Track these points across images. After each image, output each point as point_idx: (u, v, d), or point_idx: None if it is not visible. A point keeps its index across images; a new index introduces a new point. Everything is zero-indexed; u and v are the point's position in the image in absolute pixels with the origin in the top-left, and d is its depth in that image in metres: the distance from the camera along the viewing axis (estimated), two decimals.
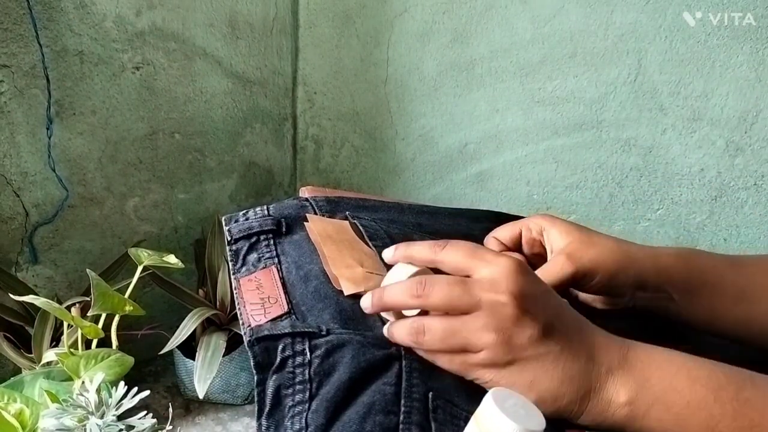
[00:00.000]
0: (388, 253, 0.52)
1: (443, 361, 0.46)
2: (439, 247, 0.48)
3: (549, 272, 0.53)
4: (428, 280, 0.46)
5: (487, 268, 0.44)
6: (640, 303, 0.56)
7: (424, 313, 0.47)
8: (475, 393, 0.46)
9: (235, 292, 0.56)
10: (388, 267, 0.60)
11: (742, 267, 0.58)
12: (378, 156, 1.25)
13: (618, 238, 0.56)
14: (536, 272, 0.50)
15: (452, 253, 0.47)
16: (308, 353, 0.48)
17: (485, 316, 0.43)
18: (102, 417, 0.66)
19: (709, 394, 0.40)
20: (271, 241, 0.62)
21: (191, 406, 1.10)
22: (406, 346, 0.47)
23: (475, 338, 0.43)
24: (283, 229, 0.63)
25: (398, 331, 0.47)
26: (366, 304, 0.49)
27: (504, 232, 0.61)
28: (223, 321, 1.08)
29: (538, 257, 0.60)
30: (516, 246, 0.61)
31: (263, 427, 0.46)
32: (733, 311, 0.55)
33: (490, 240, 0.62)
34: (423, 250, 0.49)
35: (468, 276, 0.46)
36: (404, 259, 0.50)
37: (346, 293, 0.54)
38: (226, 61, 1.13)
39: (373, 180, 1.28)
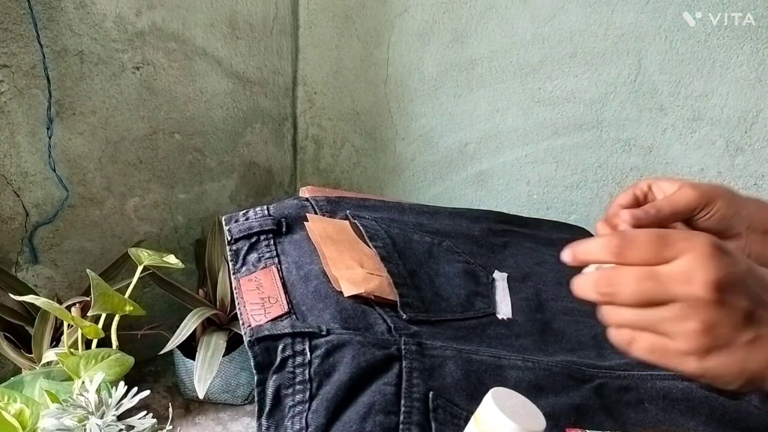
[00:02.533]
0: (566, 257, 0.45)
1: (643, 347, 0.41)
2: (615, 246, 0.42)
3: (675, 200, 0.50)
4: (615, 275, 0.41)
5: (680, 258, 0.40)
6: (755, 249, 0.53)
7: None
8: (475, 393, 0.46)
9: (235, 291, 0.56)
10: (387, 267, 0.60)
11: None
12: (378, 156, 1.25)
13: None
14: (662, 200, 0.49)
15: (635, 250, 0.41)
16: (308, 353, 0.48)
17: (682, 308, 0.39)
18: (102, 417, 0.66)
19: None
20: (272, 241, 0.62)
21: (191, 406, 1.10)
22: (596, 301, 0.42)
23: (673, 326, 0.39)
24: (284, 229, 0.63)
25: (584, 283, 0.42)
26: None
27: (624, 200, 0.53)
28: (223, 321, 1.08)
29: None
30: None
31: (263, 427, 0.46)
32: None
33: (618, 216, 0.53)
34: (599, 250, 0.43)
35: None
36: (580, 263, 0.44)
37: (346, 294, 0.54)
38: (226, 61, 1.13)
39: (373, 180, 1.28)
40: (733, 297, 0.39)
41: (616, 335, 0.42)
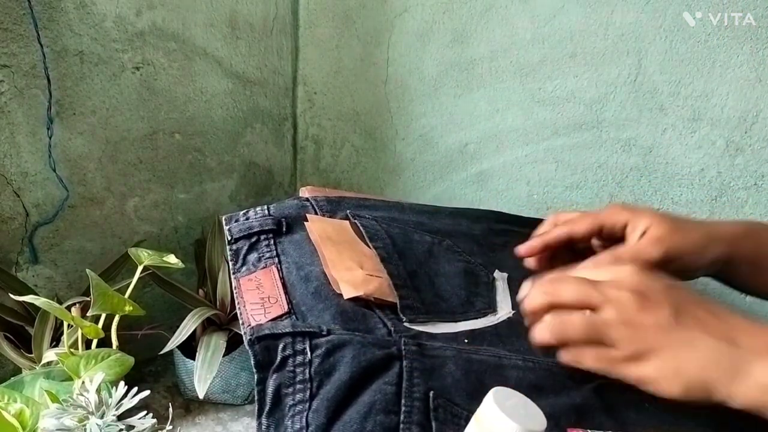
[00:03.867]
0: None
1: (590, 359, 0.46)
2: (552, 285, 0.48)
3: (638, 253, 0.53)
4: (558, 280, 0.48)
5: (610, 273, 0.47)
6: (744, 280, 0.58)
7: None
8: (475, 392, 0.46)
9: (235, 291, 0.56)
10: (387, 268, 0.60)
11: None
12: (378, 156, 1.25)
13: (698, 221, 0.57)
14: (623, 250, 0.53)
15: (569, 285, 0.47)
16: (309, 353, 0.48)
17: (613, 310, 0.44)
18: (102, 417, 0.66)
19: None
20: (272, 241, 0.62)
21: (191, 406, 1.10)
22: (550, 345, 0.47)
23: (608, 331, 0.44)
24: (284, 229, 0.63)
25: (541, 332, 0.47)
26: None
27: (581, 228, 0.58)
28: (223, 321, 1.08)
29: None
30: (588, 239, 0.60)
31: (263, 426, 0.46)
32: None
33: (562, 234, 0.59)
34: (538, 297, 0.49)
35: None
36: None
37: (345, 297, 0.54)
38: (226, 61, 1.14)
39: (373, 180, 1.28)
40: (654, 299, 0.44)
41: (566, 355, 0.47)
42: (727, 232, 0.56)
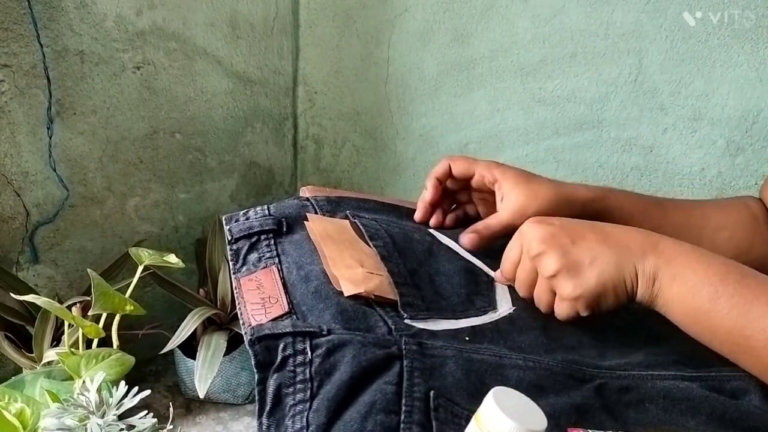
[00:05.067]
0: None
1: (544, 305, 0.58)
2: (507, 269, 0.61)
3: (497, 222, 0.66)
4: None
5: (515, 242, 0.59)
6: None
7: None
8: (476, 392, 0.46)
9: (235, 291, 0.56)
10: (387, 266, 0.60)
11: (660, 209, 0.71)
12: (379, 155, 1.25)
13: (558, 183, 0.66)
14: (485, 221, 0.66)
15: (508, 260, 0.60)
16: (309, 352, 0.48)
17: (530, 246, 0.57)
18: (103, 416, 0.66)
19: (717, 274, 0.52)
20: (272, 241, 0.62)
21: (192, 405, 1.10)
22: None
23: (550, 282, 0.56)
24: (284, 229, 0.63)
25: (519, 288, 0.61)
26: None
27: (459, 168, 0.68)
28: (224, 320, 1.08)
29: (484, 201, 0.71)
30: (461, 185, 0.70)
31: (264, 426, 0.46)
32: None
33: (436, 185, 0.70)
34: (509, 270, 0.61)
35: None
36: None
37: (346, 294, 0.54)
38: (227, 60, 1.14)
39: (373, 179, 1.28)
40: (556, 240, 0.55)
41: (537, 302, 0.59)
42: (579, 197, 0.66)
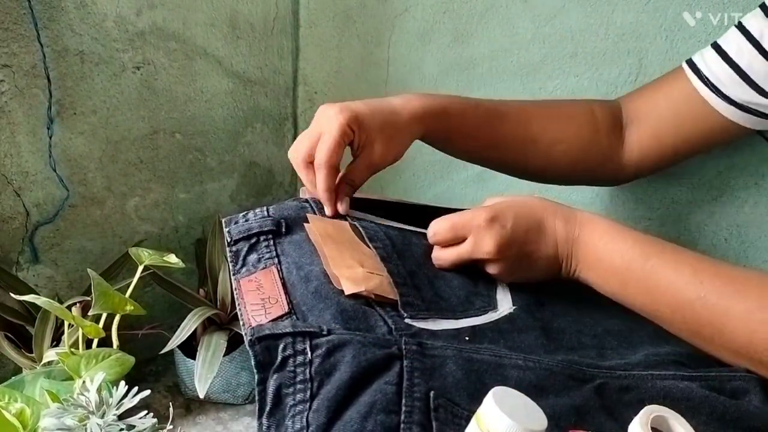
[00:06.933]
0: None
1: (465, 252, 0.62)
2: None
3: (356, 176, 0.71)
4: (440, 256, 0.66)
5: (469, 237, 0.62)
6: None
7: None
8: (476, 392, 0.46)
9: (235, 292, 0.56)
10: (387, 267, 0.60)
11: (500, 119, 0.76)
12: None
13: (392, 106, 0.71)
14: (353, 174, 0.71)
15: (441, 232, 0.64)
16: (309, 352, 0.48)
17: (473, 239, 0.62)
18: (103, 416, 0.66)
19: (622, 264, 0.57)
20: (271, 242, 0.62)
21: (192, 405, 1.10)
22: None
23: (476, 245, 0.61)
24: (283, 230, 0.63)
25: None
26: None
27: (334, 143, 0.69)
28: (224, 320, 1.08)
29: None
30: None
31: (264, 427, 0.46)
32: (486, 154, 0.80)
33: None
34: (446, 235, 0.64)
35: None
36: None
37: (346, 293, 0.54)
38: (227, 60, 1.14)
39: (373, 179, 1.27)
40: (508, 252, 0.60)
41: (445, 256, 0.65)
42: (416, 119, 0.71)
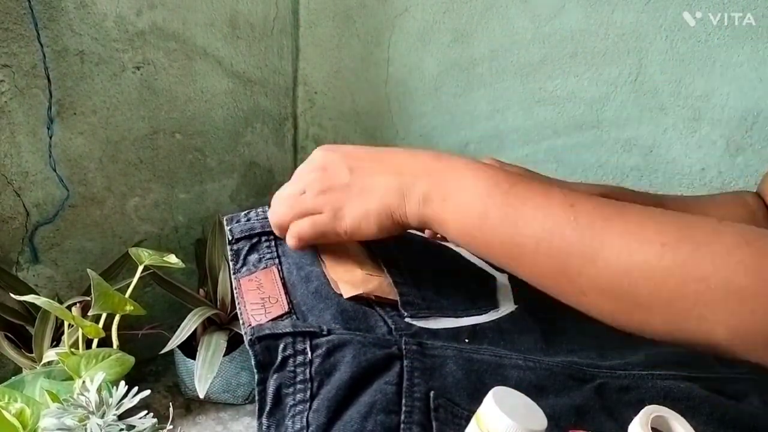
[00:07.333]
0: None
1: (307, 227, 0.56)
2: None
3: None
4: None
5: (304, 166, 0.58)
6: None
7: None
8: (476, 392, 0.46)
9: (235, 291, 0.56)
10: (387, 267, 0.60)
11: (659, 205, 0.67)
12: None
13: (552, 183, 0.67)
14: None
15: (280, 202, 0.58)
16: (309, 352, 0.48)
17: (308, 189, 0.55)
18: (103, 416, 0.66)
19: (485, 188, 0.50)
20: (272, 242, 0.61)
21: (192, 405, 1.10)
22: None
23: (310, 204, 0.55)
24: None
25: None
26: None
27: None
28: (224, 320, 1.08)
29: None
30: None
31: (264, 426, 0.46)
32: None
33: None
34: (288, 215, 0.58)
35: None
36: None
37: (345, 296, 0.54)
38: (227, 60, 1.14)
39: None
40: (334, 170, 0.55)
41: (289, 239, 0.57)
42: None
